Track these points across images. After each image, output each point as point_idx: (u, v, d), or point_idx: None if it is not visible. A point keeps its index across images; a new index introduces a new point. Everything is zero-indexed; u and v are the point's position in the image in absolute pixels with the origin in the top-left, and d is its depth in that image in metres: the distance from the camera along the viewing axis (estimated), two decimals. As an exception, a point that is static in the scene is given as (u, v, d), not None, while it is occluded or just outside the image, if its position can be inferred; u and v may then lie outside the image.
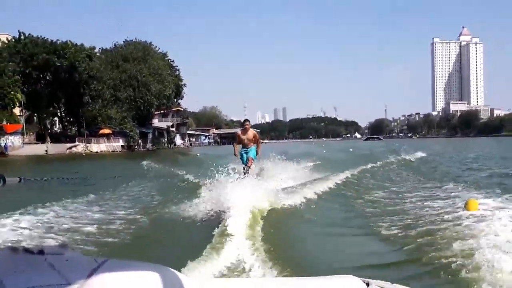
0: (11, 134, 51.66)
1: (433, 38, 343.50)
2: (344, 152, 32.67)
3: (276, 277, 4.35)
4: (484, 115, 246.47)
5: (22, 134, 55.67)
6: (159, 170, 21.19)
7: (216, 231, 6.20)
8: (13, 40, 61.47)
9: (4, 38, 60.82)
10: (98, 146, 60.41)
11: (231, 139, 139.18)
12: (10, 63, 49.62)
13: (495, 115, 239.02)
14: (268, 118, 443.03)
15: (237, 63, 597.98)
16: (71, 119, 69.96)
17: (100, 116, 62.29)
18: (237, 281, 1.71)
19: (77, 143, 59.10)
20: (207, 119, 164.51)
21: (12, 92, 47.75)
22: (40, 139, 62.04)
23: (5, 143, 50.37)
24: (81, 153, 54.84)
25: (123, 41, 71.95)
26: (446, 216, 7.08)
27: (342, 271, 1.79)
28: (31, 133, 61.39)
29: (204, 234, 6.36)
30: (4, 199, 11.10)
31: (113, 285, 1.12)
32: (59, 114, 69.63)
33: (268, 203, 8.37)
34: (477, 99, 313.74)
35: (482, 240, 5.15)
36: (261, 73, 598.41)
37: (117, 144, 63.50)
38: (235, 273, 4.78)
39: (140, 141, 69.42)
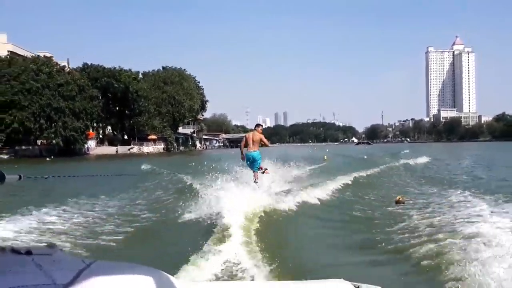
0: (90, 139, 72.30)
1: (427, 47, 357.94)
2: (323, 151, 51.81)
3: (268, 280, 4.42)
4: (472, 122, 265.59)
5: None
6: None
7: (210, 233, 6.34)
8: (79, 69, 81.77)
9: (43, 55, 78.95)
10: (148, 148, 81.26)
11: (238, 142, 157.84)
12: (94, 90, 69.94)
13: (482, 121, 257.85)
14: (269, 123, 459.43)
15: (238, 68, 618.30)
16: (121, 127, 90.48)
17: (146, 125, 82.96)
18: (228, 285, 1.69)
19: (132, 145, 79.78)
20: (217, 125, 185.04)
21: (97, 111, 68.40)
22: (101, 142, 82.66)
23: (87, 145, 70.94)
24: (143, 152, 75.64)
25: (162, 67, 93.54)
26: (437, 222, 7.31)
27: (333, 274, 1.80)
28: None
29: (198, 237, 6.35)
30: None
31: (100, 286, 1.10)
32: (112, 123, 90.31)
33: (262, 206, 8.56)
34: (469, 106, 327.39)
35: (475, 251, 5.20)
36: (262, 77, 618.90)
37: (160, 146, 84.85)
38: (228, 276, 4.88)
39: (175, 144, 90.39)
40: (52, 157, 55.03)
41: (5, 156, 57.73)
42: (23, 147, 62.14)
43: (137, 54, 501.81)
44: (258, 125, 12.83)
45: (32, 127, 60.54)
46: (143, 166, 27.55)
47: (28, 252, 1.21)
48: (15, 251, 1.21)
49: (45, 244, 1.22)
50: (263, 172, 12.28)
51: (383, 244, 6.41)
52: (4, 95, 57.99)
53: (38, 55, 67.91)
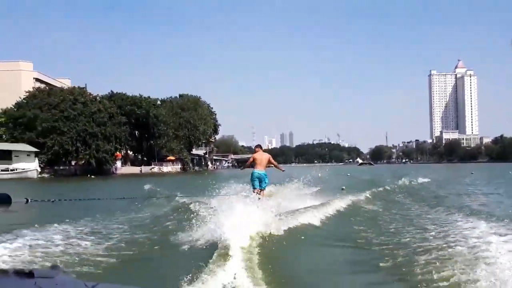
0: (117, 160, 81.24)
1: (430, 70, 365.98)
2: (322, 171, 59.41)
3: None
4: (474, 143, 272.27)
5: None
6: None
7: (211, 256, 6.27)
8: (107, 97, 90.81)
9: (66, 82, 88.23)
10: (167, 168, 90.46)
11: (246, 162, 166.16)
12: (122, 116, 79.14)
13: (484, 142, 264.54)
14: (275, 143, 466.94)
15: (244, 90, 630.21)
16: (140, 149, 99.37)
17: (165, 147, 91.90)
18: None
19: (153, 166, 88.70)
20: (225, 146, 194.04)
21: (125, 135, 77.49)
22: (124, 163, 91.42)
23: (115, 165, 79.76)
24: (163, 172, 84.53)
25: (179, 95, 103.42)
26: (433, 240, 7.50)
27: None
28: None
29: (199, 258, 6.29)
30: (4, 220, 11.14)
31: None
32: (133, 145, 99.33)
33: (266, 227, 8.47)
34: (471, 127, 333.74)
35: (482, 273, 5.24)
36: (268, 98, 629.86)
37: (178, 166, 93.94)
38: None
39: (190, 164, 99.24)
40: (89, 175, 63.75)
41: (46, 175, 66.31)
42: (61, 167, 71.08)
43: (155, 81, 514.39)
44: (257, 146, 13.72)
45: (70, 150, 69.52)
46: (145, 186, 27.19)
47: (31, 275, 1.22)
48: (18, 273, 1.22)
49: (48, 265, 1.40)
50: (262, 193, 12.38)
51: (386, 265, 6.51)
52: (46, 122, 67.23)
53: (74, 86, 77.56)
